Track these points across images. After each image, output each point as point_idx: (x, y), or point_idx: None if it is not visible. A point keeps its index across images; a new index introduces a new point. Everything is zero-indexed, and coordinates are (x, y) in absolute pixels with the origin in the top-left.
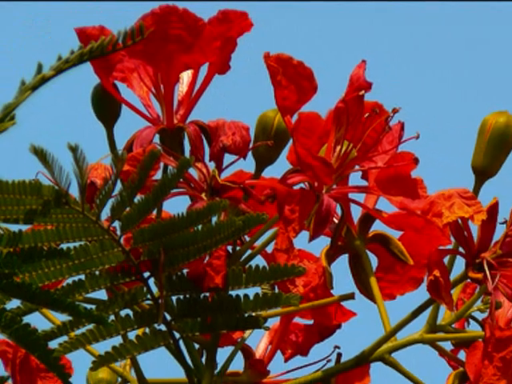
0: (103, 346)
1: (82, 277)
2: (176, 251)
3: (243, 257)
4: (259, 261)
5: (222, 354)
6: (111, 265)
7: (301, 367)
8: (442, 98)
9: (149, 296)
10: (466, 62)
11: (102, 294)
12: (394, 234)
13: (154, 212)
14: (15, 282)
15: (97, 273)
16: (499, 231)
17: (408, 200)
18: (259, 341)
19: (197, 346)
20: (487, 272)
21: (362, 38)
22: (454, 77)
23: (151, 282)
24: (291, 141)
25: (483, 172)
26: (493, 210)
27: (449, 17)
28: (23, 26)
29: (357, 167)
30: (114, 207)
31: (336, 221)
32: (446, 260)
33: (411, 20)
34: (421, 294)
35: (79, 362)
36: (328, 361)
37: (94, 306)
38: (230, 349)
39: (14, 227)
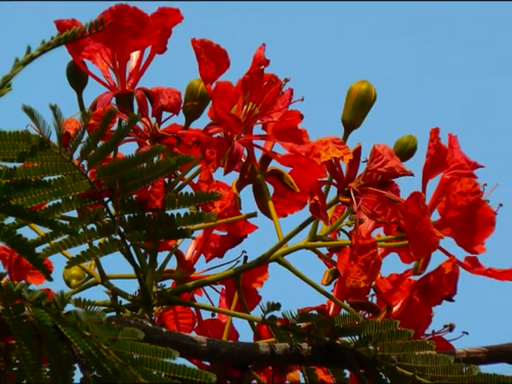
0: (75, 251)
1: (60, 200)
2: (127, 182)
3: (176, 186)
4: (188, 189)
5: (161, 256)
6: (80, 192)
7: (218, 266)
8: (320, 69)
9: (108, 214)
10: (340, 41)
11: (74, 213)
12: (286, 170)
13: (112, 153)
14: (11, 204)
15: (70, 198)
16: (362, 167)
17: (295, 145)
18: (188, 247)
19: (142, 250)
20: (353, 197)
21: (264, 26)
22: (327, 52)
23: (109, 204)
24: (211, 102)
25: (350, 125)
26: (357, 152)
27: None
28: (16, 19)
29: (258, 121)
30: (83, 150)
31: (243, 160)
32: (323, 188)
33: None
34: (304, 213)
35: (57, 262)
36: (237, 261)
37: (68, 222)
38: (166, 253)
39: (11, 165)
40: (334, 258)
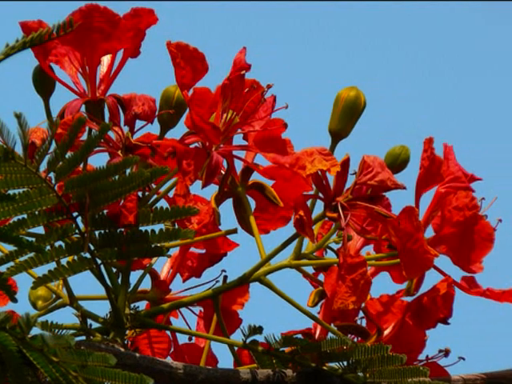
0: (41, 270)
1: (25, 216)
2: (98, 196)
3: (150, 200)
4: (163, 203)
5: (134, 276)
6: (47, 206)
7: (195, 286)
8: (305, 74)
9: (77, 231)
10: (325, 48)
11: (40, 230)
12: (268, 183)
13: (82, 165)
14: None
15: (36, 213)
16: (350, 180)
17: (279, 156)
18: (163, 266)
19: (114, 269)
20: (341, 212)
21: (245, 29)
22: (313, 56)
23: (79, 220)
24: (188, 110)
25: (337, 134)
26: (345, 163)
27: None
28: None
29: (239, 130)
30: (50, 161)
31: (223, 172)
32: (308, 203)
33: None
34: (289, 229)
35: (23, 282)
36: (216, 281)
37: (34, 239)
38: (140, 272)
39: None
40: (321, 277)
